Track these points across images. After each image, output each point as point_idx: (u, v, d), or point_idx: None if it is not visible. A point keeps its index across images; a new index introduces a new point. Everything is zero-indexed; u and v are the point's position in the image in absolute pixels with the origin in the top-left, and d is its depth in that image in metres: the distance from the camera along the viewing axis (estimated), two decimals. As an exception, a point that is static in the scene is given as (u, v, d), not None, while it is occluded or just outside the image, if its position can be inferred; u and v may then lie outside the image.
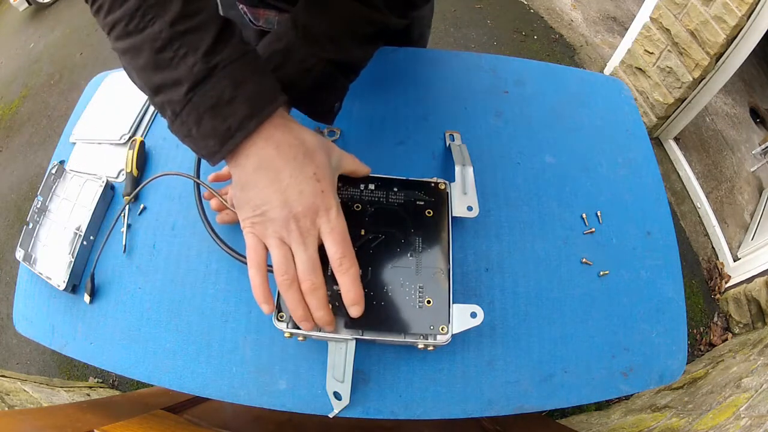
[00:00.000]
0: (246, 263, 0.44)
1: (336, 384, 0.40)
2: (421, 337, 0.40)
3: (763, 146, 1.71)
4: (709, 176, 1.66)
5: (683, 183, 1.64)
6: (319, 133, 0.53)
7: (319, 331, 0.39)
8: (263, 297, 0.36)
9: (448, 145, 0.54)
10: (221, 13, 0.35)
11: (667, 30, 1.45)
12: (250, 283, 0.36)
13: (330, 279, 0.41)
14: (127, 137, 0.57)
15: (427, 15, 0.76)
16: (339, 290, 0.40)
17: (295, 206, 0.33)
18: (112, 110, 0.60)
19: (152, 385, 0.58)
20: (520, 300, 0.47)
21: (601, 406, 1.24)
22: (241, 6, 0.62)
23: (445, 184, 0.47)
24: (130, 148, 0.54)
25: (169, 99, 0.33)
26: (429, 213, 0.45)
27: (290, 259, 0.35)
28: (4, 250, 1.79)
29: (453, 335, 0.39)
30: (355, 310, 0.37)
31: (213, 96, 0.32)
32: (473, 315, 0.40)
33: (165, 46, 0.32)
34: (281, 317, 0.39)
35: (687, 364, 0.48)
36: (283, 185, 0.33)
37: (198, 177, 0.50)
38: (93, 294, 0.49)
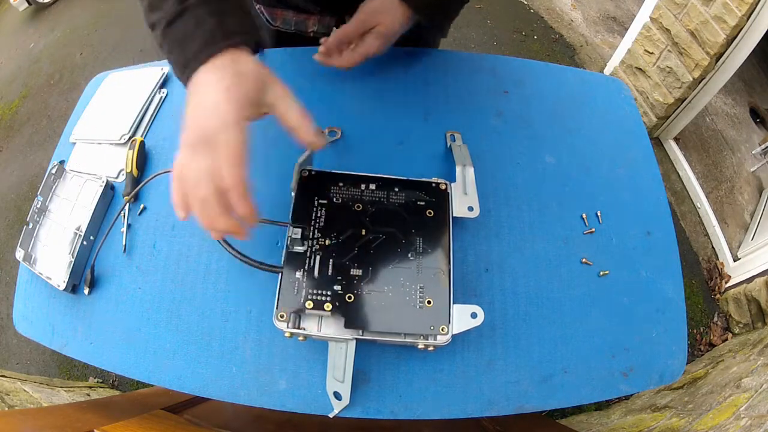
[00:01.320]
0: (246, 263, 0.44)
1: (336, 384, 0.40)
2: (422, 337, 0.40)
3: (763, 146, 1.71)
4: (709, 176, 1.66)
5: (683, 183, 1.64)
6: (319, 133, 0.53)
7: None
8: (177, 204, 0.37)
9: (449, 145, 0.54)
10: None
11: (667, 30, 1.45)
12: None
13: (330, 279, 0.41)
14: (127, 137, 0.57)
15: (432, 33, 0.76)
16: (339, 290, 0.40)
17: (197, 114, 0.36)
18: (112, 110, 0.60)
19: (152, 385, 0.58)
20: (520, 300, 0.47)
21: (601, 406, 1.24)
22: (258, 6, 0.62)
23: (445, 184, 0.47)
24: (130, 148, 0.54)
25: (156, 34, 0.39)
26: (430, 213, 0.45)
27: (185, 168, 0.36)
28: (4, 250, 1.79)
29: (453, 335, 0.39)
30: (241, 234, 0.36)
31: (180, 31, 0.37)
32: (473, 315, 0.40)
33: None
34: (281, 317, 0.39)
35: (687, 364, 0.48)
36: (196, 103, 0.36)
37: None
38: (92, 286, 0.49)
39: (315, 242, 0.43)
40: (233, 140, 0.34)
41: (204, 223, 0.36)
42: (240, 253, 0.45)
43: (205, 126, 0.35)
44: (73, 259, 0.49)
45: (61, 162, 0.57)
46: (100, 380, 1.41)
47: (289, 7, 0.61)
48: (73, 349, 0.48)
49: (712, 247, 1.53)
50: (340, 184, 0.46)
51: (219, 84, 0.35)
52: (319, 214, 0.44)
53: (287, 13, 0.62)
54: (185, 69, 0.37)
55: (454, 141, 0.54)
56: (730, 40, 1.29)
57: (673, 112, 1.58)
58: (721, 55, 1.34)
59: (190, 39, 0.36)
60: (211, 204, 0.35)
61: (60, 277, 0.48)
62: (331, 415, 0.41)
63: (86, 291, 0.49)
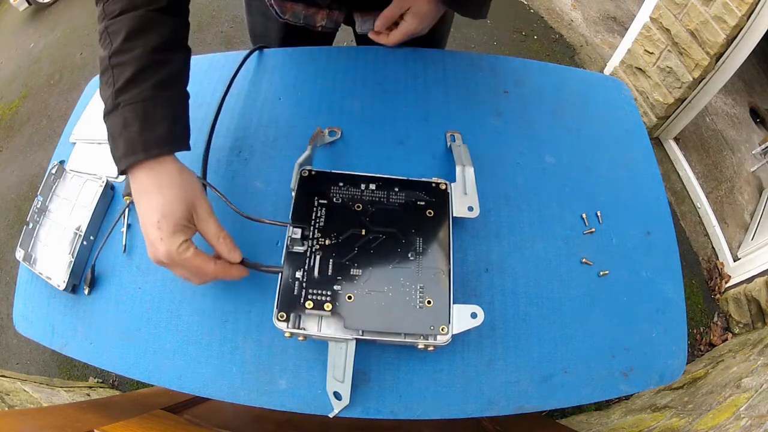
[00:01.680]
0: (247, 264, 0.44)
1: (336, 384, 0.40)
2: (422, 337, 0.40)
3: (763, 146, 1.71)
4: (709, 176, 1.66)
5: (683, 183, 1.64)
6: (320, 133, 0.53)
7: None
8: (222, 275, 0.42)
9: (449, 145, 0.54)
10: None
11: (667, 30, 1.45)
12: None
13: (330, 279, 0.41)
14: (127, 137, 0.57)
15: (449, 16, 0.77)
16: (339, 290, 0.40)
17: (148, 247, 0.40)
18: (112, 110, 0.60)
19: (152, 385, 0.58)
20: (520, 300, 0.47)
21: (601, 406, 1.24)
22: None
23: (446, 184, 0.47)
24: (130, 148, 0.54)
25: (102, 111, 0.41)
26: (430, 213, 0.45)
27: (183, 275, 0.41)
28: (4, 250, 1.79)
29: (453, 335, 0.39)
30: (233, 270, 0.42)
31: (111, 127, 0.39)
32: (473, 315, 0.40)
33: (104, 71, 0.40)
34: (281, 317, 0.39)
35: (687, 364, 0.48)
36: (142, 223, 0.39)
37: (204, 178, 0.50)
38: (92, 286, 0.49)
39: (315, 242, 0.43)
40: (186, 260, 0.39)
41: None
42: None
43: (156, 256, 0.39)
44: (73, 259, 0.49)
45: (61, 162, 0.57)
46: (100, 380, 1.41)
47: (299, 1, 0.61)
48: (73, 349, 0.48)
49: (712, 247, 1.53)
50: (340, 184, 0.46)
51: (151, 218, 0.38)
52: (319, 214, 0.44)
53: (297, 7, 0.62)
54: (117, 163, 0.39)
55: (454, 141, 0.54)
56: (730, 40, 1.29)
57: (673, 112, 1.58)
58: (721, 55, 1.34)
59: (118, 138, 0.39)
60: (219, 274, 0.41)
61: (60, 277, 0.48)
62: (331, 415, 0.41)
63: (86, 291, 0.49)
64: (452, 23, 0.78)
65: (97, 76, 0.66)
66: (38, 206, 0.53)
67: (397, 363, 0.44)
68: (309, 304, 0.40)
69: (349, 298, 0.40)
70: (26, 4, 2.75)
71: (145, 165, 0.39)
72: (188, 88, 0.45)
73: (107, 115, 0.39)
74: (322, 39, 0.74)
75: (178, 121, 0.42)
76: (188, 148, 0.42)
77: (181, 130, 0.42)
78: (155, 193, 0.39)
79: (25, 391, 1.07)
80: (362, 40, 0.73)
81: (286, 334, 0.39)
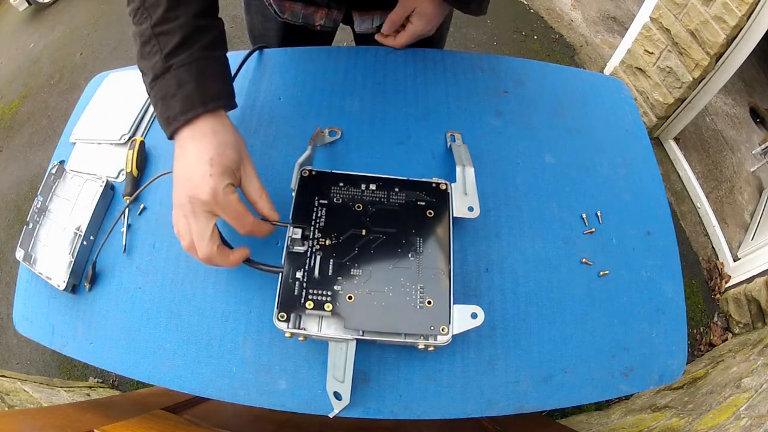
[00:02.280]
0: (247, 264, 0.44)
1: (336, 384, 0.40)
2: (422, 337, 0.40)
3: (763, 146, 1.71)
4: (709, 176, 1.66)
5: (683, 183, 1.64)
6: (320, 133, 0.53)
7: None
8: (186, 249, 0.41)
9: (449, 145, 0.54)
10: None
11: (667, 30, 1.45)
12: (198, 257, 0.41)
13: (330, 279, 0.41)
14: (127, 137, 0.57)
15: (448, 15, 0.77)
16: (339, 290, 0.40)
17: (187, 183, 0.39)
18: (112, 110, 0.60)
19: (152, 385, 0.58)
20: (520, 300, 0.47)
21: (601, 406, 1.24)
22: None
23: (446, 184, 0.47)
24: (130, 148, 0.54)
25: (145, 82, 0.42)
26: (430, 213, 0.45)
27: (185, 230, 0.40)
28: (4, 250, 1.79)
29: (453, 336, 0.39)
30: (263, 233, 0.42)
31: (163, 89, 0.40)
32: (473, 315, 0.40)
33: (146, 42, 0.41)
34: (281, 317, 0.39)
35: (687, 364, 0.48)
36: (184, 169, 0.40)
37: None
38: (93, 282, 0.49)
39: (315, 242, 0.43)
40: (230, 202, 0.39)
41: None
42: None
43: (196, 196, 0.38)
44: (73, 259, 0.49)
45: (61, 162, 0.57)
46: (100, 380, 1.41)
47: (298, 0, 0.62)
48: (73, 349, 0.48)
49: (712, 247, 1.53)
50: (341, 184, 0.46)
51: (203, 156, 0.38)
52: (319, 214, 0.44)
53: (296, 6, 0.62)
54: (168, 126, 0.40)
55: (455, 141, 0.54)
56: (730, 40, 1.29)
57: (673, 112, 1.58)
58: (721, 55, 1.34)
59: (171, 98, 0.39)
60: (213, 260, 0.40)
61: (60, 277, 0.48)
62: (331, 415, 0.41)
63: (87, 287, 0.49)
64: (451, 23, 0.78)
65: (98, 75, 0.67)
66: (38, 206, 0.53)
67: (397, 363, 0.44)
68: (309, 304, 0.40)
69: (350, 298, 0.40)
70: (26, 4, 2.75)
71: (201, 119, 0.40)
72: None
73: (156, 80, 0.40)
74: (321, 39, 0.74)
75: (228, 79, 0.44)
76: (236, 106, 0.44)
77: (231, 88, 0.44)
78: (210, 136, 0.39)
79: (25, 391, 1.07)
80: (361, 39, 0.74)
81: (287, 334, 0.39)
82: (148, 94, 0.42)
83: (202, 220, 0.39)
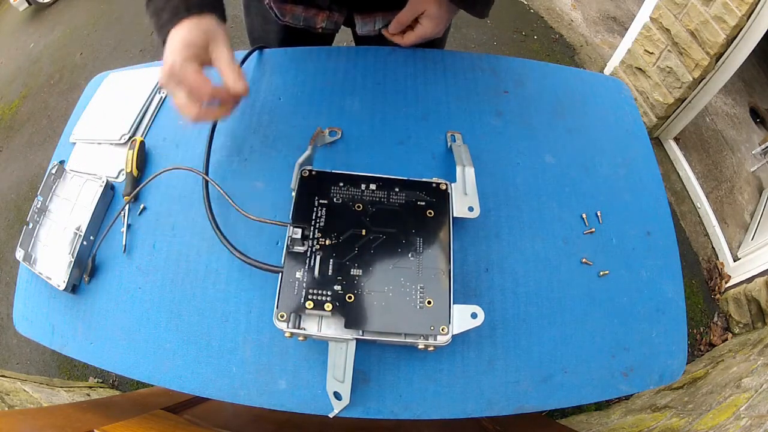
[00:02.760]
0: (246, 262, 0.44)
1: (336, 384, 0.40)
2: (422, 337, 0.40)
3: (763, 146, 1.71)
4: (709, 176, 1.66)
5: (683, 183, 1.64)
6: (320, 133, 0.53)
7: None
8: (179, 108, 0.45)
9: (449, 145, 0.54)
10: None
11: (667, 30, 1.45)
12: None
13: (330, 279, 0.41)
14: (127, 137, 0.57)
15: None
16: (339, 290, 0.40)
17: (165, 60, 0.43)
18: (112, 110, 0.60)
19: (152, 385, 0.58)
20: (520, 300, 0.47)
21: (601, 406, 1.24)
22: (267, 1, 0.63)
23: (446, 184, 0.47)
24: (130, 148, 0.54)
25: (146, 5, 0.47)
26: (430, 213, 0.45)
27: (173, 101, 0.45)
28: (4, 250, 1.79)
29: (453, 335, 0.39)
30: (238, 85, 0.44)
31: (155, 6, 0.45)
32: (473, 315, 0.40)
33: None
34: (281, 317, 0.39)
35: (687, 364, 0.48)
36: (166, 51, 0.44)
37: (207, 174, 0.50)
38: (92, 275, 0.49)
39: (315, 242, 0.43)
40: (186, 73, 0.42)
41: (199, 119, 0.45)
42: (244, 254, 0.45)
43: (162, 74, 0.43)
44: (73, 259, 0.49)
45: (61, 162, 0.57)
46: (100, 380, 1.41)
47: (299, 3, 0.61)
48: (73, 349, 0.48)
49: (712, 247, 1.53)
50: (341, 184, 0.46)
51: (177, 35, 0.44)
52: (319, 214, 0.44)
53: (297, 9, 0.62)
54: (161, 30, 0.45)
55: (455, 141, 0.54)
56: (730, 40, 1.29)
57: (673, 112, 1.58)
58: (721, 55, 1.34)
59: (161, 11, 0.45)
60: (204, 114, 0.44)
61: (60, 277, 0.48)
62: (331, 415, 0.41)
63: (86, 279, 0.49)
64: (452, 23, 0.78)
65: (98, 75, 0.67)
66: (38, 206, 0.53)
67: (397, 363, 0.44)
68: (309, 304, 0.40)
69: (350, 298, 0.40)
70: (26, 4, 2.75)
71: (184, 21, 0.44)
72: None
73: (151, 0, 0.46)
74: (321, 40, 0.74)
75: None
76: (225, 19, 0.48)
77: (217, 1, 0.48)
78: (186, 28, 0.44)
79: (25, 391, 1.07)
80: (361, 41, 0.74)
81: (286, 334, 0.39)
82: (148, 15, 0.47)
83: (176, 94, 0.44)
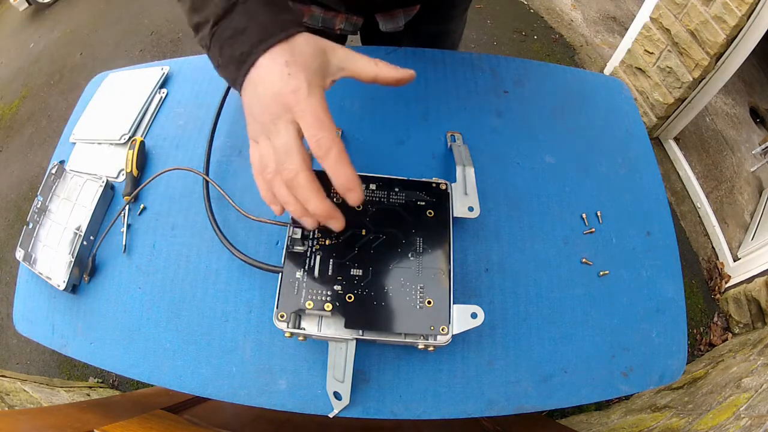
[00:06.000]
0: (247, 262, 0.44)
1: (336, 384, 0.40)
2: (422, 337, 0.40)
3: (763, 146, 1.71)
4: (709, 176, 1.66)
5: (683, 183, 1.64)
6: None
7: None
8: (265, 198, 0.36)
9: (449, 145, 0.54)
10: None
11: (667, 30, 1.45)
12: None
13: (330, 279, 0.41)
14: (127, 137, 0.57)
15: (460, 27, 0.77)
16: (339, 290, 0.40)
17: (263, 97, 0.33)
18: (112, 110, 0.60)
19: (152, 385, 0.58)
20: (520, 300, 0.47)
21: (601, 406, 1.24)
22: None
23: (446, 184, 0.47)
24: (130, 148, 0.54)
25: (202, 35, 0.36)
26: (430, 213, 0.45)
27: (268, 154, 0.34)
28: (4, 250, 1.79)
29: (453, 336, 0.39)
30: (352, 197, 0.34)
31: (231, 28, 0.34)
32: (474, 315, 0.40)
33: None
34: (282, 317, 0.39)
35: (687, 364, 0.48)
36: (256, 91, 0.34)
37: (207, 174, 0.50)
38: (92, 275, 0.49)
39: (315, 242, 0.43)
40: (314, 104, 0.33)
41: (294, 210, 0.35)
42: (244, 253, 0.45)
43: (276, 103, 0.33)
44: (73, 259, 0.49)
45: (61, 162, 0.57)
46: (100, 380, 1.41)
47: (317, 4, 0.61)
48: (73, 349, 0.48)
49: (712, 247, 1.53)
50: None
51: (276, 61, 0.33)
52: (319, 214, 0.44)
53: (315, 10, 0.62)
54: (242, 64, 0.34)
55: (455, 141, 0.54)
56: (730, 40, 1.29)
57: (673, 112, 1.58)
58: (721, 55, 1.34)
59: (241, 34, 0.34)
60: (300, 183, 0.33)
61: (60, 277, 0.48)
62: (331, 415, 0.41)
63: (86, 278, 0.49)
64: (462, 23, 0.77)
65: (98, 75, 0.67)
66: (38, 206, 0.53)
67: (397, 363, 0.45)
68: (309, 304, 0.40)
69: (350, 298, 0.40)
70: (26, 4, 2.75)
71: (279, 45, 0.34)
72: (188, 89, 0.45)
73: (218, 22, 0.35)
74: (336, 41, 0.74)
75: (295, 10, 0.38)
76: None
77: (301, 18, 0.39)
78: (286, 53, 0.34)
79: (25, 391, 1.07)
80: (367, 38, 0.73)
81: (286, 334, 0.39)
82: (207, 50, 0.37)
83: (283, 133, 0.33)
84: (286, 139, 0.33)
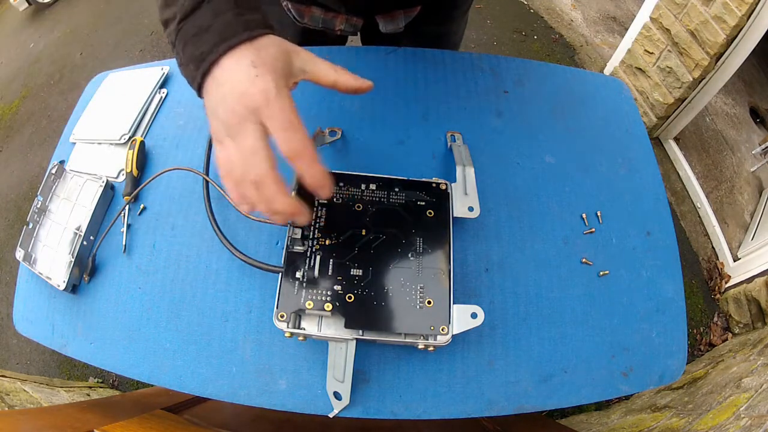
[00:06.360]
0: (247, 262, 0.44)
1: (336, 384, 0.40)
2: (422, 337, 0.40)
3: (763, 146, 1.71)
4: (709, 176, 1.66)
5: (683, 183, 1.64)
6: (320, 133, 0.53)
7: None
8: (234, 199, 0.36)
9: (449, 145, 0.54)
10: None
11: (667, 30, 1.45)
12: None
13: (330, 279, 0.41)
14: (127, 137, 0.57)
15: (461, 27, 0.77)
16: (339, 290, 0.40)
17: (228, 98, 0.32)
18: (112, 110, 0.60)
19: (152, 385, 0.58)
20: (520, 300, 0.47)
21: (601, 406, 1.24)
22: (285, 2, 0.62)
23: (446, 184, 0.47)
24: (130, 148, 0.54)
25: (169, 32, 0.36)
26: (430, 213, 0.45)
27: (235, 156, 0.33)
28: (4, 250, 1.79)
29: (453, 336, 0.39)
30: (324, 193, 0.35)
31: (196, 26, 0.34)
32: (474, 315, 0.40)
33: None
34: (282, 317, 0.39)
35: (687, 364, 0.48)
36: (220, 91, 0.33)
37: (207, 174, 0.50)
38: (92, 275, 0.49)
39: (315, 242, 0.43)
40: (284, 106, 0.32)
41: (264, 209, 0.34)
42: (244, 253, 0.45)
43: (243, 104, 0.32)
44: (73, 259, 0.49)
45: (61, 162, 0.57)
46: (100, 380, 1.41)
47: (318, 5, 0.61)
48: (73, 349, 0.48)
49: (712, 247, 1.54)
50: (341, 184, 0.46)
51: (242, 62, 0.32)
52: (319, 214, 0.44)
53: (316, 10, 0.62)
54: (201, 63, 0.33)
55: (455, 141, 0.54)
56: (730, 40, 1.29)
57: (673, 112, 1.58)
58: (721, 55, 1.34)
59: (205, 32, 0.33)
60: (267, 183, 0.33)
61: (60, 277, 0.48)
62: (331, 415, 0.41)
63: (86, 278, 0.49)
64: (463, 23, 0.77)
65: (98, 75, 0.67)
66: (38, 206, 0.53)
67: (397, 363, 0.45)
68: (309, 304, 0.40)
69: (350, 298, 0.40)
70: (26, 4, 2.75)
71: (243, 45, 0.33)
72: (188, 89, 0.44)
73: (185, 18, 0.34)
74: (341, 42, 0.73)
75: (263, 11, 0.37)
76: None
77: (269, 19, 0.37)
78: (251, 53, 0.33)
79: (25, 391, 1.07)
80: (367, 39, 0.73)
81: (286, 334, 0.39)
82: (173, 46, 0.36)
83: (250, 134, 0.32)
84: (252, 140, 0.32)
